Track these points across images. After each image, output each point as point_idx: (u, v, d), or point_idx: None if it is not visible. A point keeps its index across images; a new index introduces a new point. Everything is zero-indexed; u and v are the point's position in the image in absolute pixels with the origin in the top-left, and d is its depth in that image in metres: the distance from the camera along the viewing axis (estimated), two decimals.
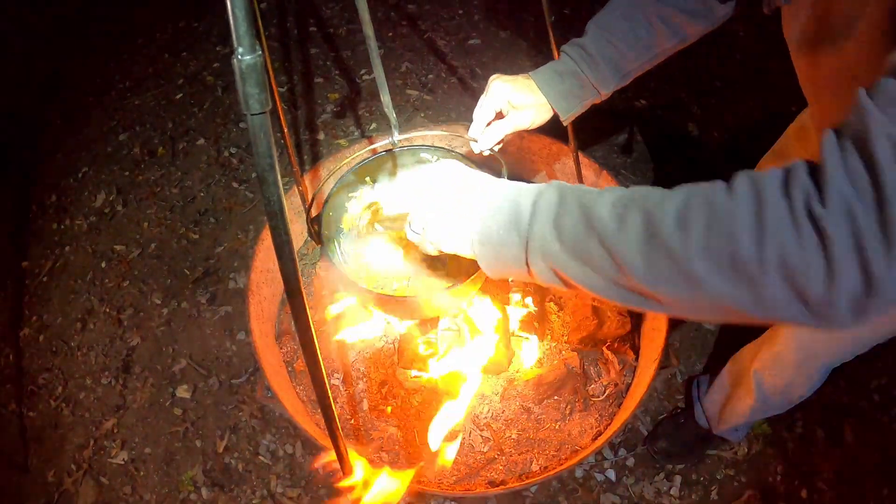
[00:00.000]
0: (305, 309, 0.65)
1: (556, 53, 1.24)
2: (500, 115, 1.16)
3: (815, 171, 0.50)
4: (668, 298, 0.57)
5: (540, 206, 0.64)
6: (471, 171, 0.76)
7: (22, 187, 2.53)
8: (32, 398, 2.00)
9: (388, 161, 1.37)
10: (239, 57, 0.48)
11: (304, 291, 0.64)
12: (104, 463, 1.84)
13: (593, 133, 2.42)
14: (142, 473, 1.82)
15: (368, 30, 0.96)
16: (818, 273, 0.47)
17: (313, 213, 1.28)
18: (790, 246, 0.48)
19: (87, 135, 2.65)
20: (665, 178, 2.32)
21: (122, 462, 1.84)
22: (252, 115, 0.51)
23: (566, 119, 1.14)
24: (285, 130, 1.52)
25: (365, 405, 1.69)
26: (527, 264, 0.66)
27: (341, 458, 0.85)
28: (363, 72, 2.63)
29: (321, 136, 2.47)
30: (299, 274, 0.61)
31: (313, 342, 0.68)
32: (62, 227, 2.39)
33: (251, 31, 0.48)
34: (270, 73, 1.26)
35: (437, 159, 1.46)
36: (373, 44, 0.98)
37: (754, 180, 0.52)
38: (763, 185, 0.51)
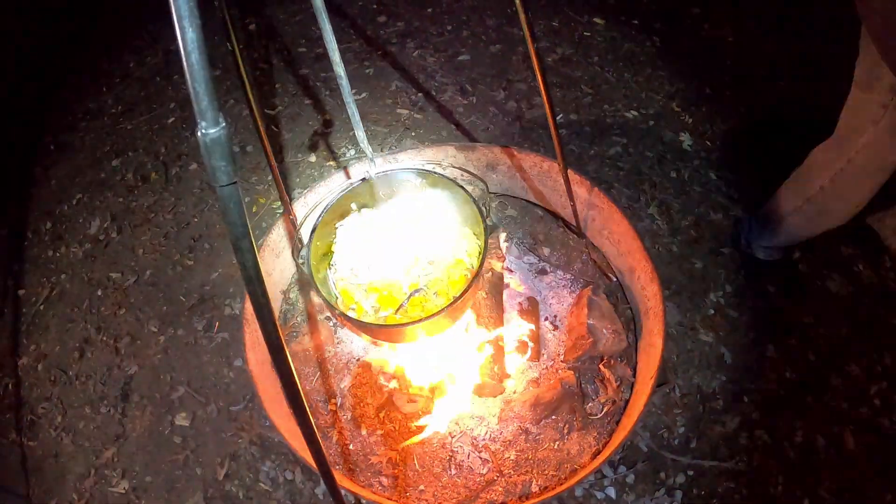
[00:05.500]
0: (290, 365, 0.65)
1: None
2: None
3: None
4: None
5: None
6: None
7: (18, 214, 2.53)
8: (33, 428, 2.00)
9: (371, 187, 1.43)
10: (203, 131, 0.48)
11: (286, 349, 0.64)
12: (106, 492, 1.84)
13: (583, 147, 2.42)
14: (143, 502, 1.82)
15: (340, 70, 0.97)
16: None
17: (304, 238, 1.33)
18: None
19: (79, 161, 2.65)
20: (659, 190, 2.31)
21: (124, 491, 1.84)
22: (220, 186, 0.51)
23: None
24: (271, 159, 1.53)
25: (363, 430, 1.69)
26: None
27: None
28: (353, 91, 2.62)
29: (313, 158, 2.47)
30: (281, 334, 0.61)
31: (300, 397, 0.68)
32: (58, 254, 2.39)
33: (213, 104, 0.48)
34: (255, 111, 1.26)
35: (422, 181, 1.50)
36: (345, 83, 0.99)
37: None
38: None
